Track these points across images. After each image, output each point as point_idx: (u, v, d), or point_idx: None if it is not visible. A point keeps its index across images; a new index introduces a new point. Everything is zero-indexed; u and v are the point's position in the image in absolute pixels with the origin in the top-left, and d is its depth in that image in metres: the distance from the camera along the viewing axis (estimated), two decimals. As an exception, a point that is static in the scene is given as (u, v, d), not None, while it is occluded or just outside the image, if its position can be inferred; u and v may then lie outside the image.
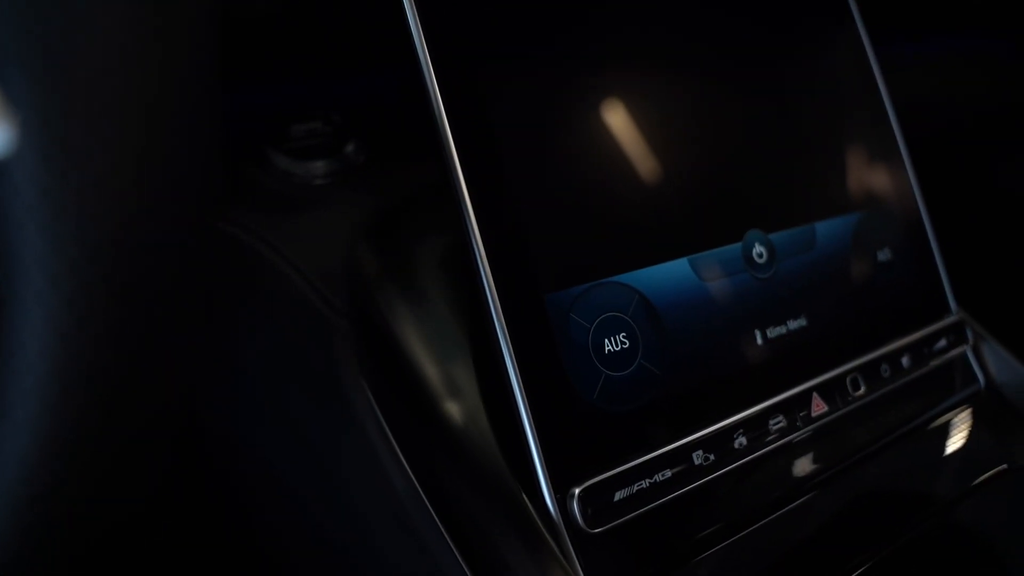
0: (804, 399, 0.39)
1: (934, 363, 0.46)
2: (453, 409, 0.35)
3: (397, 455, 0.35)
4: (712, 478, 0.35)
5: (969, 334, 0.49)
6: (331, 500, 0.39)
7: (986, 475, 0.44)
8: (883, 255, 0.47)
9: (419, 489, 0.35)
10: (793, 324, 0.41)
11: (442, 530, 0.34)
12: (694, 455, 0.35)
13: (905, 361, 0.45)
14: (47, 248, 0.22)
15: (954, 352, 0.47)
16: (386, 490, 0.36)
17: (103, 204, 0.22)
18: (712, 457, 0.35)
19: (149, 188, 0.24)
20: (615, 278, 0.36)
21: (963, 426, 0.47)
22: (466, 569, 0.33)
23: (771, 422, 0.38)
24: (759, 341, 0.39)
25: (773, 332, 0.40)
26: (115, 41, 0.23)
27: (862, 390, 0.42)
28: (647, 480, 0.33)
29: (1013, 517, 0.43)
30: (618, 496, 0.33)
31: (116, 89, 0.23)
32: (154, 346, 0.25)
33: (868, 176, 0.48)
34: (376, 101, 0.51)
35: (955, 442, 0.46)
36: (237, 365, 0.42)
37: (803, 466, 0.40)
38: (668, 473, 0.34)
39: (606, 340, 0.35)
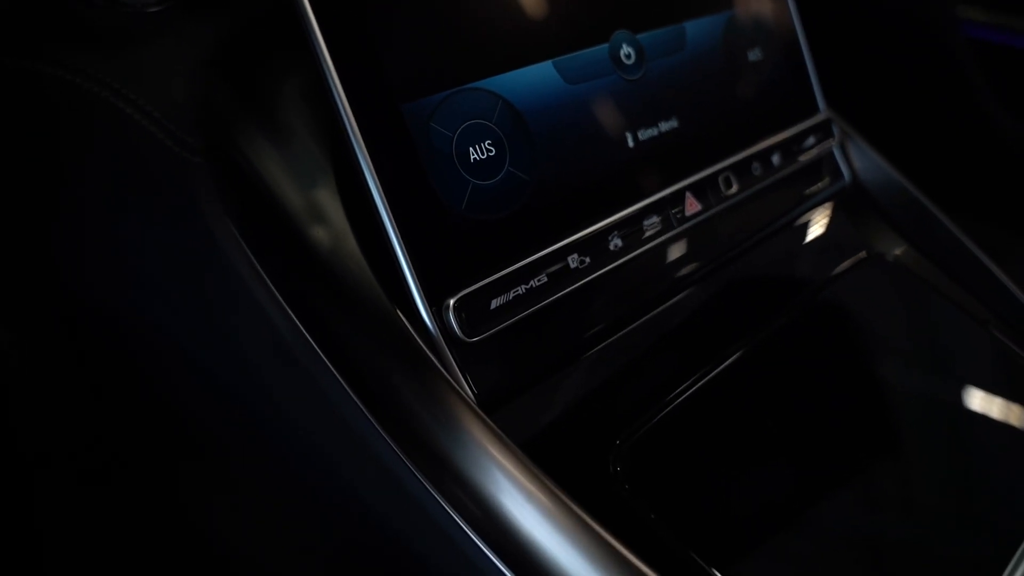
0: (678, 199, 0.40)
1: (803, 160, 0.47)
2: (321, 235, 0.34)
3: (270, 289, 0.34)
4: (589, 280, 0.36)
5: (836, 132, 0.50)
6: (217, 345, 0.37)
7: (848, 261, 0.47)
8: (754, 55, 0.46)
9: (296, 320, 0.34)
10: (665, 125, 0.40)
11: (323, 358, 0.33)
12: (569, 259, 0.35)
13: (775, 159, 0.46)
14: None
15: (821, 149, 0.49)
16: (265, 326, 0.35)
17: None
18: (588, 260, 0.36)
19: None
20: (476, 84, 0.34)
21: (829, 219, 0.49)
22: (351, 393, 0.33)
23: (645, 222, 0.38)
24: (630, 143, 0.39)
25: (644, 134, 0.39)
26: None
27: (734, 188, 0.43)
28: (523, 286, 0.34)
29: (870, 296, 0.46)
30: (494, 304, 0.33)
31: None
32: None
33: (739, -25, 0.47)
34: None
35: (822, 234, 0.48)
36: (96, 226, 0.39)
37: (679, 263, 0.41)
38: (544, 278, 0.34)
39: (471, 148, 0.33)
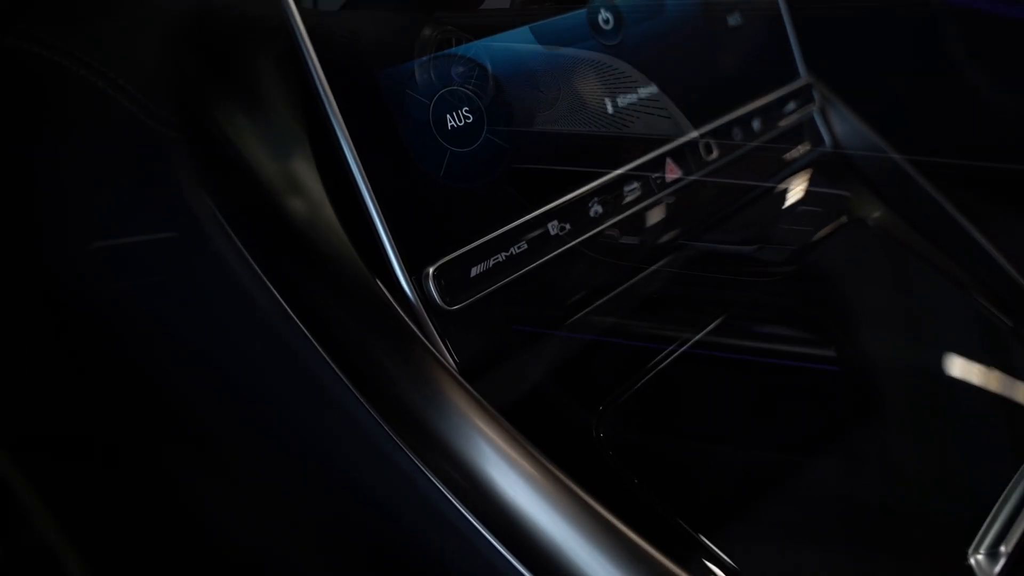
0: (658, 165, 0.40)
1: (783, 125, 0.47)
2: (299, 206, 0.34)
3: (248, 262, 0.34)
4: (570, 247, 0.36)
5: (816, 97, 0.50)
6: (197, 320, 0.37)
7: (829, 227, 0.47)
8: (733, 20, 0.46)
9: (275, 292, 0.34)
10: (644, 91, 0.40)
11: (303, 329, 0.33)
12: (549, 225, 0.35)
13: (756, 124, 0.45)
14: None
15: (802, 114, 0.49)
16: (245, 299, 0.34)
17: None
18: (568, 226, 0.36)
19: None
20: (452, 50, 0.34)
21: (811, 184, 0.49)
22: (332, 364, 0.33)
23: (626, 189, 0.38)
24: (610, 110, 0.38)
25: (624, 100, 0.39)
26: None
27: (715, 154, 0.43)
28: (503, 254, 0.33)
29: (850, 261, 0.46)
30: (475, 271, 0.33)
31: None
32: None
33: (717, -61, 0.47)
34: None
35: (803, 199, 0.48)
36: (73, 203, 0.38)
37: (661, 229, 0.41)
38: (524, 245, 0.34)
39: (448, 116, 0.33)
